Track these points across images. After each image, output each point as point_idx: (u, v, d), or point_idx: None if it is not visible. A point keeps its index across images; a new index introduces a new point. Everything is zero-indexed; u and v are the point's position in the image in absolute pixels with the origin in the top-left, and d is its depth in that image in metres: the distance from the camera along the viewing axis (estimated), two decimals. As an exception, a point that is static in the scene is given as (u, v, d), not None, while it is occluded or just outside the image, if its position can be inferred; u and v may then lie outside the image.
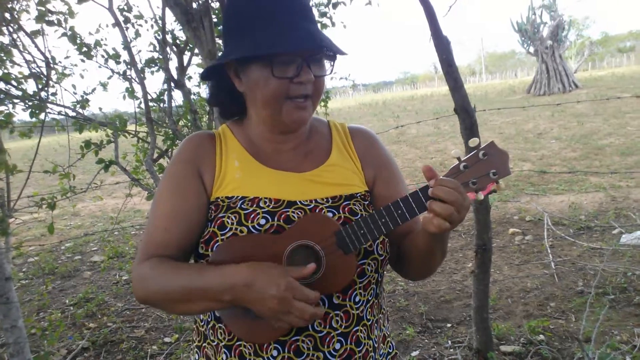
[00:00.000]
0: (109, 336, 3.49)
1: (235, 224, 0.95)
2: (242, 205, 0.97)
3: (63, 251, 5.93)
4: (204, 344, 1.05)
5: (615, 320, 2.97)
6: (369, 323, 1.03)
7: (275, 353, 0.95)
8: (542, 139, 10.32)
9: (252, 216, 0.96)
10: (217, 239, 0.95)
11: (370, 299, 1.03)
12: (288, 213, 0.97)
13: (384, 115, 22.28)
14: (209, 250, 0.96)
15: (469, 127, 2.28)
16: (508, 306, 3.35)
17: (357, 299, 0.99)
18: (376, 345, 1.05)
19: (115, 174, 3.01)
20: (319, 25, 4.03)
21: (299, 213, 0.97)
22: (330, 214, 0.97)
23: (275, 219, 0.96)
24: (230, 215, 0.96)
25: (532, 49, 24.24)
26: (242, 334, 0.95)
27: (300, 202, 0.99)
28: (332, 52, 0.96)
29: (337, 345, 0.97)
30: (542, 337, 2.86)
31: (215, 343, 1.02)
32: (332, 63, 1.00)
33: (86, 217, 7.97)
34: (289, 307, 0.84)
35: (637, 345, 2.62)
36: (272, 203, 0.98)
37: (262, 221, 0.95)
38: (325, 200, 1.00)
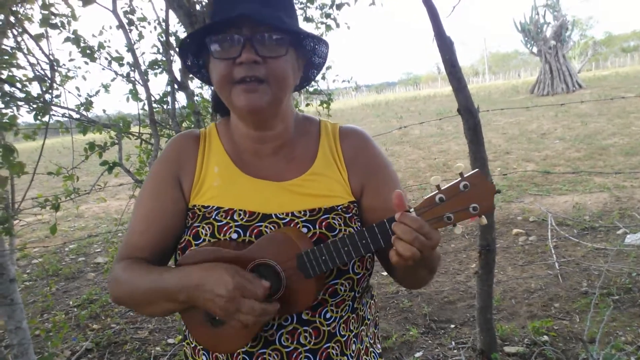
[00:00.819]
0: (112, 337, 3.50)
1: (208, 235, 0.94)
2: (217, 217, 0.96)
3: (67, 253, 5.96)
4: (184, 343, 1.09)
5: (620, 321, 2.95)
6: (344, 339, 0.99)
7: None
8: (546, 139, 10.29)
9: (224, 229, 0.94)
10: (192, 248, 0.95)
11: (344, 315, 0.99)
12: (261, 228, 0.94)
13: (387, 116, 22.26)
14: None
15: (473, 128, 2.28)
16: (512, 307, 3.34)
17: (327, 316, 0.96)
18: None
19: (118, 175, 3.01)
20: (322, 26, 4.04)
21: (272, 227, 0.94)
22: (305, 229, 0.94)
23: (247, 233, 0.94)
24: (204, 225, 0.96)
25: (535, 49, 24.17)
26: (205, 343, 0.96)
27: (275, 215, 0.95)
28: (269, 23, 0.88)
29: None
30: (546, 337, 2.85)
31: (193, 345, 1.04)
32: (286, 46, 0.91)
33: (90, 218, 7.99)
34: (238, 305, 0.83)
35: (642, 346, 2.61)
36: (247, 216, 0.95)
37: (234, 235, 0.94)
38: (302, 213, 0.95)
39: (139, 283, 0.94)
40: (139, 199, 1.02)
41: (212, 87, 1.07)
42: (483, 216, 0.78)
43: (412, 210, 0.80)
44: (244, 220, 0.95)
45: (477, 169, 0.79)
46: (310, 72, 1.07)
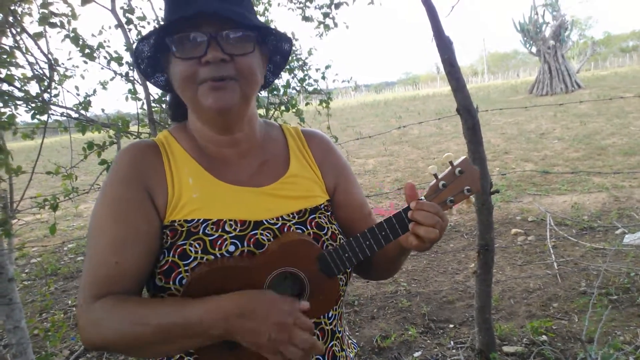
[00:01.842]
0: (111, 337, 3.49)
1: (200, 252, 0.85)
2: (206, 230, 0.87)
3: (66, 252, 5.95)
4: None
5: (618, 321, 2.96)
6: (340, 335, 1.02)
7: None
8: (545, 139, 10.29)
9: (219, 242, 0.87)
10: (180, 269, 0.85)
11: (338, 310, 1.02)
12: (257, 236, 0.90)
13: (386, 116, 22.26)
14: (171, 282, 0.85)
15: (471, 128, 2.28)
16: (510, 307, 3.35)
17: (330, 314, 0.98)
18: (348, 354, 1.04)
19: (117, 175, 3.01)
20: (321, 26, 4.03)
21: (268, 234, 0.91)
22: (299, 231, 0.93)
23: (245, 244, 0.88)
24: (192, 242, 0.86)
25: (534, 49, 24.19)
26: None
27: (266, 221, 0.92)
28: (227, 16, 0.84)
29: None
30: (544, 337, 2.86)
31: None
32: (253, 43, 0.88)
33: (89, 218, 7.98)
34: (289, 335, 0.77)
35: (641, 345, 2.62)
36: (239, 225, 0.90)
37: (232, 247, 0.87)
38: (291, 216, 0.95)
39: (144, 321, 0.80)
40: (99, 228, 0.87)
41: (168, 95, 1.04)
42: (472, 196, 0.90)
43: (422, 198, 0.88)
44: (237, 230, 0.89)
45: (465, 156, 0.90)
46: (271, 71, 1.05)
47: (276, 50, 1.00)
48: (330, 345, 0.97)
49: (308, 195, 0.99)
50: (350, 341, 1.11)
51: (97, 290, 0.84)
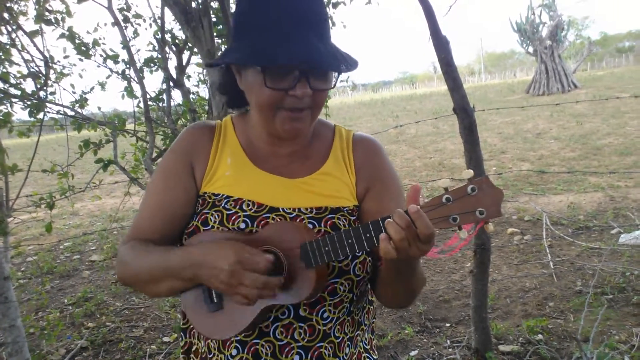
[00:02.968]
0: (107, 335, 3.49)
1: (217, 222, 0.97)
2: (226, 205, 0.98)
3: (62, 250, 5.93)
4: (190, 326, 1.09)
5: (614, 320, 2.97)
6: (338, 341, 0.99)
7: (234, 352, 0.96)
8: (541, 139, 10.32)
9: (233, 218, 0.96)
10: (200, 233, 0.98)
11: (341, 316, 0.99)
12: (268, 220, 0.96)
13: (383, 115, 22.28)
14: None
15: (468, 127, 2.28)
16: (507, 306, 3.36)
17: (324, 315, 0.97)
18: None
19: (114, 173, 3.00)
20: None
21: (279, 220, 0.96)
22: (310, 226, 0.95)
23: (255, 224, 0.95)
24: (214, 212, 0.98)
25: (531, 49, 24.26)
26: (201, 329, 0.97)
27: (282, 209, 0.97)
28: (331, 69, 0.91)
29: (296, 357, 0.95)
30: (540, 336, 2.86)
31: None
32: (336, 75, 0.95)
33: (85, 216, 7.96)
34: (239, 278, 0.83)
35: (636, 344, 2.63)
36: (255, 207, 0.97)
37: (242, 225, 0.96)
38: (309, 210, 0.97)
39: (144, 262, 0.96)
40: (149, 187, 1.05)
41: (220, 74, 1.07)
42: (490, 222, 0.78)
43: (418, 207, 0.80)
44: (252, 210, 0.97)
45: (485, 175, 0.79)
46: None
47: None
48: (318, 346, 0.97)
49: (335, 195, 1.00)
50: (364, 355, 1.07)
51: (131, 235, 1.02)
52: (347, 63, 0.92)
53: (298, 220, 0.96)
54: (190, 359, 1.08)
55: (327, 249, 0.86)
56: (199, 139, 1.04)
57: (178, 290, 0.97)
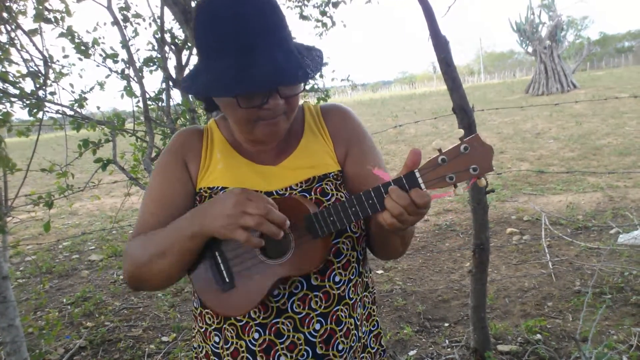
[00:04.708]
0: (106, 335, 3.49)
1: None
2: None
3: (61, 250, 5.93)
4: (197, 327, 1.11)
5: (613, 320, 2.98)
6: (352, 302, 1.03)
7: (256, 336, 0.98)
8: (540, 139, 10.33)
9: None
10: None
11: (352, 277, 1.03)
12: None
13: (383, 115, 22.28)
14: None
15: (467, 127, 2.28)
16: (505, 306, 3.36)
17: (336, 279, 1.00)
18: (358, 323, 1.05)
19: (113, 173, 3.00)
20: (320, 25, 4.02)
21: (279, 198, 0.99)
22: (303, 195, 1.00)
23: None
24: None
25: (530, 49, 24.29)
26: (214, 307, 0.97)
27: (276, 191, 1.01)
28: (299, 82, 0.91)
29: (317, 326, 0.98)
30: (539, 336, 2.87)
31: (204, 329, 1.07)
32: (305, 83, 0.95)
33: (84, 216, 7.96)
34: (244, 206, 0.85)
35: (634, 344, 2.63)
36: None
37: None
38: (298, 185, 1.02)
39: (149, 242, 0.97)
40: (150, 185, 1.09)
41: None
42: (482, 177, 0.83)
43: (416, 171, 0.84)
44: None
45: (476, 133, 0.83)
46: None
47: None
48: (335, 309, 1.00)
49: (318, 164, 1.04)
50: (373, 318, 1.13)
51: (136, 232, 1.04)
52: (313, 64, 0.94)
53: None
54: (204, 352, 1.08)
55: (332, 218, 0.90)
56: (190, 140, 1.09)
57: (186, 259, 0.95)
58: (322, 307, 0.99)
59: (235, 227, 0.85)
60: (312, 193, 1.00)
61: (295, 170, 1.04)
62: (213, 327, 1.04)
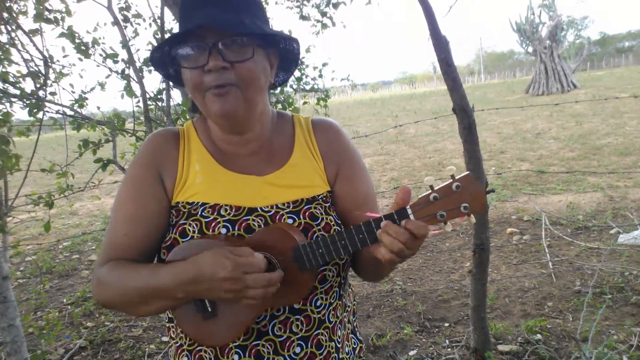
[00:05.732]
0: (106, 335, 3.49)
1: (196, 232, 0.94)
2: (203, 213, 0.96)
3: (61, 250, 5.93)
4: (171, 342, 1.07)
5: (613, 320, 2.98)
6: (331, 325, 1.02)
7: (236, 357, 0.95)
8: (541, 139, 10.33)
9: (212, 224, 0.94)
10: (180, 244, 0.95)
11: (332, 302, 1.02)
12: (249, 222, 0.95)
13: (383, 115, 22.28)
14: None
15: (467, 127, 2.29)
16: (506, 306, 3.36)
17: (318, 303, 0.99)
18: (339, 346, 1.04)
19: (113, 173, 3.00)
20: (318, 24, 4.02)
21: (260, 221, 0.96)
22: (290, 220, 0.96)
23: (236, 227, 0.95)
24: (191, 222, 0.95)
25: (530, 49, 24.29)
26: (195, 337, 0.95)
27: (260, 208, 0.97)
28: (235, 30, 0.89)
29: (298, 349, 0.97)
30: (539, 336, 2.87)
31: (178, 344, 1.03)
32: (252, 48, 0.91)
33: (84, 216, 7.96)
34: (243, 282, 0.83)
35: (634, 344, 2.63)
36: (233, 211, 0.96)
37: (223, 230, 0.94)
38: (286, 205, 0.98)
39: (130, 283, 0.91)
40: (118, 202, 1.00)
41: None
42: (472, 215, 0.83)
43: (408, 207, 0.83)
44: (231, 215, 0.96)
45: (468, 172, 0.83)
46: (288, 68, 1.08)
47: (286, 49, 1.03)
48: (316, 333, 0.99)
49: (307, 184, 1.01)
50: (351, 335, 1.11)
51: (107, 255, 0.97)
52: (269, 33, 0.94)
53: (278, 216, 0.96)
54: None
55: (320, 251, 0.89)
56: (164, 147, 1.01)
57: (170, 308, 0.95)
58: (303, 331, 0.98)
59: (239, 298, 0.85)
60: (301, 216, 0.97)
61: (283, 188, 0.99)
62: (185, 347, 1.01)
